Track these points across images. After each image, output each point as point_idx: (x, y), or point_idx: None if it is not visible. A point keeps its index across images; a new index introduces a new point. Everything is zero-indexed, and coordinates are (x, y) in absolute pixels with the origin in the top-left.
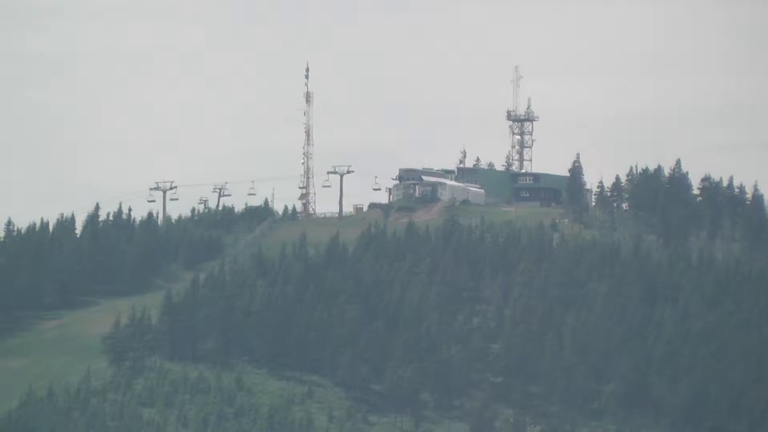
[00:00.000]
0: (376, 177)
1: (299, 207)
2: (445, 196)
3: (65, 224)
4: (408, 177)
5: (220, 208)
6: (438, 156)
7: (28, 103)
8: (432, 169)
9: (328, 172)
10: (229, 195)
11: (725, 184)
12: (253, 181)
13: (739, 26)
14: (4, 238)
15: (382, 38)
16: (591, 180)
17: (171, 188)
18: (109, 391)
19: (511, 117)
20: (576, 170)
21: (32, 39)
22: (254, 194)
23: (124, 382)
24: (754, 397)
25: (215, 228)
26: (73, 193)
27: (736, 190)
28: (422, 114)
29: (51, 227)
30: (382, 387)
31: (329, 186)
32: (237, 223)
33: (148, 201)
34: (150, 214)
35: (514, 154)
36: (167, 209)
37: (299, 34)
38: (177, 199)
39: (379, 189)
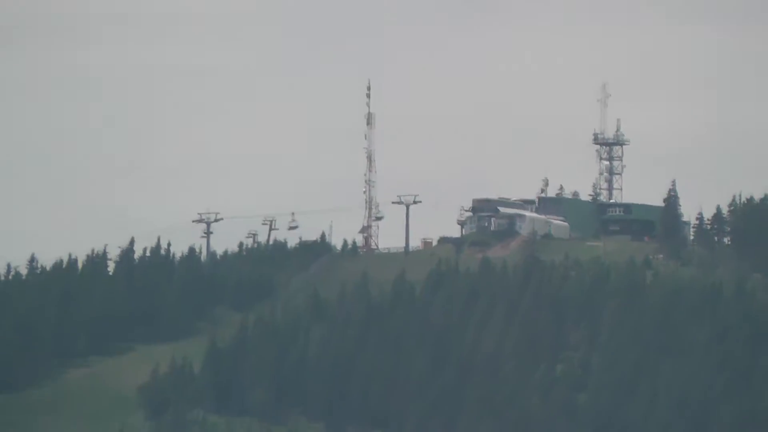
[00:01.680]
0: (462, 206)
1: (360, 241)
2: (524, 229)
3: (96, 261)
4: (483, 208)
5: (271, 242)
6: (516, 184)
7: (59, 123)
8: (509, 199)
9: (393, 202)
10: (295, 227)
11: None
12: (293, 213)
13: None
14: (27, 276)
15: (452, 55)
16: (689, 211)
17: (216, 220)
18: None
19: (599, 140)
20: (672, 200)
21: (76, 57)
22: (296, 227)
23: None
24: None
25: (266, 265)
26: (106, 225)
27: None
28: (499, 137)
29: (80, 264)
30: None
31: (382, 218)
32: (290, 260)
33: (202, 235)
34: (192, 250)
35: (601, 182)
36: (212, 244)
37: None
38: (212, 233)
39: (464, 223)
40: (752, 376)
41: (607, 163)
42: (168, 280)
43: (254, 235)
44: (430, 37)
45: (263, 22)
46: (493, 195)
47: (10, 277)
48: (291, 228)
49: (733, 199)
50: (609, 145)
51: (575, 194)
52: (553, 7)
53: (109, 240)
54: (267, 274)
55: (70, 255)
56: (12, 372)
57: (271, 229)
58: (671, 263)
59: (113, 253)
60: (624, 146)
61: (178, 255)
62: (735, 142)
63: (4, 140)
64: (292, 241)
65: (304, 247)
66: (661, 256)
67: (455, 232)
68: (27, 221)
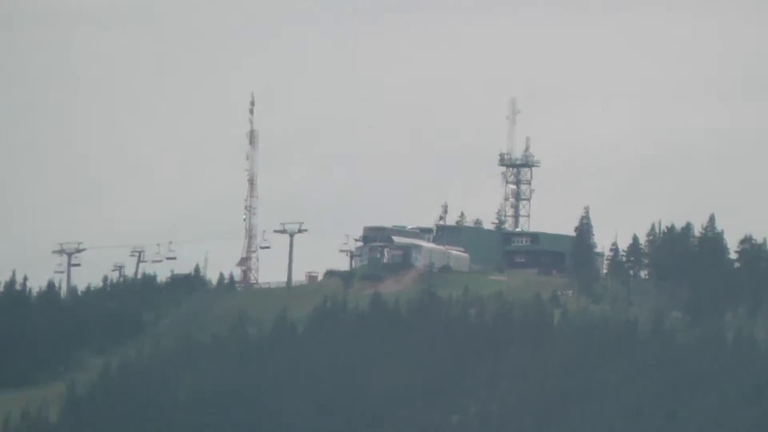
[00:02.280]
0: (347, 235)
1: (238, 275)
2: (420, 261)
3: None
4: (374, 237)
5: (140, 276)
6: (412, 211)
7: None
8: (405, 228)
9: (275, 231)
10: (159, 260)
11: None
12: (170, 242)
13: None
14: None
15: (348, 68)
16: (602, 241)
17: (78, 251)
18: None
19: (505, 162)
20: (584, 229)
21: None
22: (174, 257)
23: None
24: None
25: (133, 302)
26: None
27: None
28: (394, 158)
29: None
30: None
31: (268, 247)
32: (160, 296)
33: (56, 270)
34: (51, 284)
35: (507, 209)
36: (73, 278)
37: (245, 62)
38: (79, 265)
39: (347, 250)
40: (671, 424)
41: (514, 187)
42: (23, 319)
43: (120, 268)
44: (324, 47)
45: (136, 27)
46: (386, 223)
47: None
48: (168, 258)
49: (652, 228)
50: (516, 167)
51: (477, 222)
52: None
53: None
54: (134, 311)
55: None
56: None
57: (139, 261)
58: (582, 299)
59: None
60: (533, 168)
61: (35, 290)
62: (655, 165)
63: None
64: (163, 275)
65: (176, 281)
66: (571, 291)
67: (344, 264)
68: None
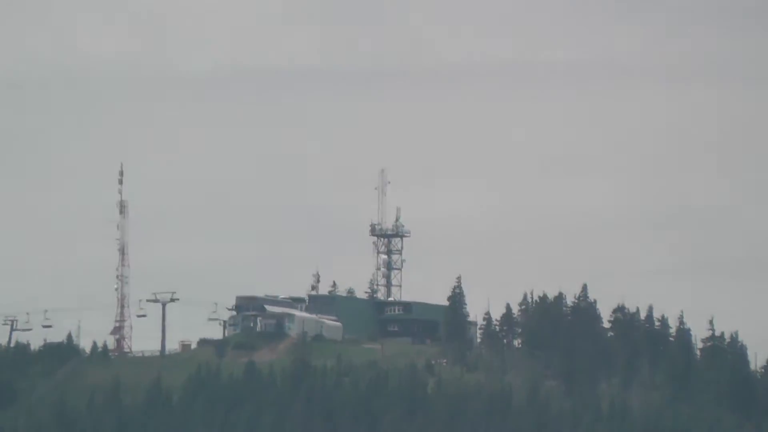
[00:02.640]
0: (216, 303)
1: (111, 343)
2: (293, 330)
3: None
4: (247, 307)
5: (12, 344)
6: (285, 280)
7: None
8: (277, 297)
9: (147, 300)
10: (29, 329)
11: (643, 315)
12: (46, 310)
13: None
14: None
15: (216, 135)
16: (475, 311)
17: None
18: None
19: (376, 232)
20: (457, 298)
21: None
22: (50, 326)
23: None
24: None
25: (7, 370)
26: None
27: (657, 323)
28: (266, 228)
29: None
30: None
31: (144, 316)
32: (34, 365)
33: None
34: None
35: (379, 278)
36: None
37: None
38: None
39: (217, 319)
40: None
41: (386, 257)
42: None
43: None
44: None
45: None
46: (258, 292)
47: None
48: (45, 326)
49: (524, 297)
50: (387, 237)
51: (350, 291)
52: (327, 85)
53: None
54: (8, 379)
55: None
56: None
57: (12, 329)
58: (456, 368)
59: None
60: (404, 238)
61: None
62: (526, 234)
63: None
64: (36, 343)
65: (50, 349)
66: (445, 360)
67: (217, 333)
68: None
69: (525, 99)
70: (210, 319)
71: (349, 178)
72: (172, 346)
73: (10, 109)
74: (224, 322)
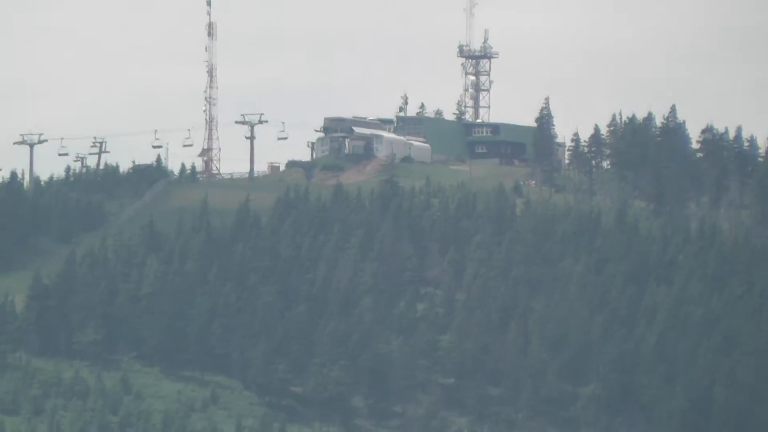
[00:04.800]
0: (283, 123)
1: (200, 166)
2: (381, 151)
3: None
4: (335, 128)
5: (102, 167)
6: (373, 102)
7: None
8: (365, 119)
9: (236, 122)
10: (183, 146)
11: (732, 136)
12: (189, 129)
13: None
14: None
15: None
16: (564, 132)
17: (40, 142)
18: None
19: (464, 53)
20: (545, 119)
21: None
22: (160, 146)
23: None
24: (767, 401)
25: (95, 192)
26: None
27: (746, 144)
28: (354, 50)
29: None
30: (303, 389)
31: (191, 145)
32: (122, 187)
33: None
34: (13, 175)
35: (467, 100)
36: (35, 168)
37: None
38: (65, 154)
39: (285, 138)
40: (634, 315)
41: (473, 78)
42: None
43: (82, 159)
44: None
45: None
46: (347, 114)
47: None
48: (155, 147)
49: (613, 119)
50: (475, 59)
51: (438, 113)
52: None
53: None
54: (97, 201)
55: None
56: None
57: (101, 152)
58: (544, 189)
59: None
60: (492, 59)
61: None
62: (616, 55)
63: None
64: (125, 165)
65: (138, 172)
66: (533, 181)
67: (305, 155)
68: None
69: None
70: (279, 139)
71: (437, 0)
72: (261, 168)
73: None
74: (312, 143)
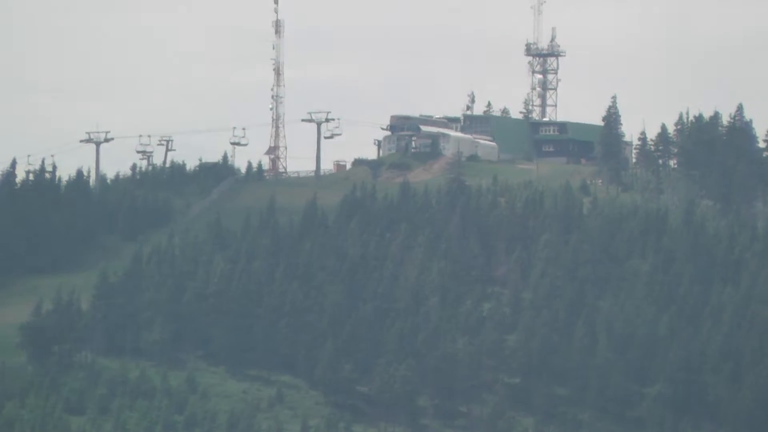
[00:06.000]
0: (338, 119)
1: (267, 164)
2: (448, 150)
3: None
4: (402, 126)
5: (168, 165)
6: (440, 100)
7: None
8: (432, 117)
9: (302, 120)
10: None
11: None
12: (234, 127)
13: None
14: None
15: None
16: (631, 130)
17: (106, 140)
18: (29, 395)
19: (531, 51)
20: (612, 118)
21: None
22: (245, 143)
23: (47, 382)
24: None
25: (162, 190)
26: None
27: None
28: (420, 48)
29: None
30: (369, 389)
31: (245, 144)
32: (189, 184)
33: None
34: (80, 173)
35: (534, 98)
36: (102, 166)
37: None
38: (142, 152)
39: (340, 134)
40: (701, 314)
41: (541, 76)
42: (54, 207)
43: (149, 156)
44: None
45: None
46: (413, 112)
47: None
48: (233, 144)
49: (680, 117)
50: (543, 57)
51: (505, 111)
52: None
53: None
54: (163, 199)
55: None
56: None
57: (167, 150)
58: (611, 188)
59: None
60: (560, 58)
61: (64, 179)
62: (683, 54)
63: None
64: (191, 163)
65: (205, 169)
66: (600, 180)
67: (371, 153)
68: None
69: None
70: (326, 138)
71: None
72: (327, 166)
73: None
74: (379, 141)
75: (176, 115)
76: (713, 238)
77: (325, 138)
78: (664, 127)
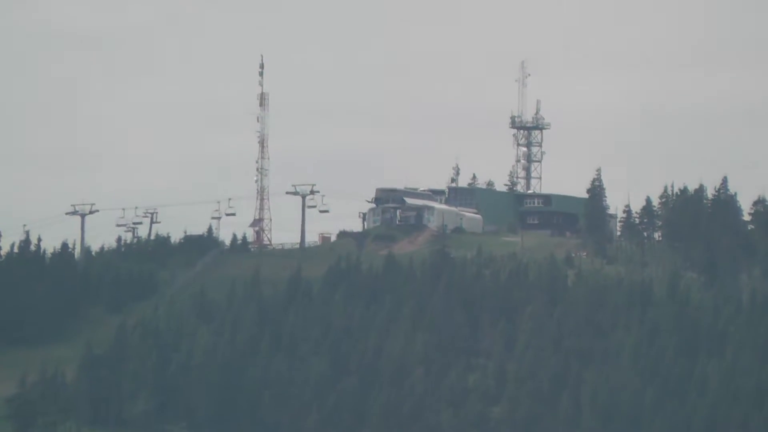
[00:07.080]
0: (323, 195)
1: (251, 236)
2: (433, 222)
3: None
4: (387, 199)
5: (153, 237)
6: (424, 172)
7: None
8: (417, 189)
9: (287, 192)
10: (226, 215)
11: None
12: (224, 200)
13: None
14: None
15: (353, 26)
16: (615, 203)
17: (91, 212)
18: None
19: (516, 124)
20: (596, 191)
21: None
22: (232, 213)
23: None
24: None
25: (147, 262)
26: None
27: None
28: (405, 120)
29: None
30: None
31: (233, 214)
32: (174, 256)
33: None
34: (65, 245)
35: (519, 171)
36: (86, 238)
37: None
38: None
39: (327, 211)
40: (686, 386)
41: (525, 149)
42: (38, 278)
43: (134, 229)
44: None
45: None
46: (398, 184)
47: None
48: (228, 215)
49: (665, 190)
50: (527, 129)
51: (490, 183)
52: None
53: None
54: (148, 271)
55: None
56: None
57: (152, 222)
58: (596, 260)
59: None
60: (544, 131)
61: (49, 250)
62: (667, 127)
63: None
64: (176, 235)
65: (190, 241)
66: (585, 252)
67: (356, 225)
68: None
69: None
70: (309, 206)
71: (489, 71)
72: (312, 238)
73: (151, 1)
74: (363, 214)
75: (161, 186)
76: (698, 311)
77: (319, 211)
78: (648, 200)
